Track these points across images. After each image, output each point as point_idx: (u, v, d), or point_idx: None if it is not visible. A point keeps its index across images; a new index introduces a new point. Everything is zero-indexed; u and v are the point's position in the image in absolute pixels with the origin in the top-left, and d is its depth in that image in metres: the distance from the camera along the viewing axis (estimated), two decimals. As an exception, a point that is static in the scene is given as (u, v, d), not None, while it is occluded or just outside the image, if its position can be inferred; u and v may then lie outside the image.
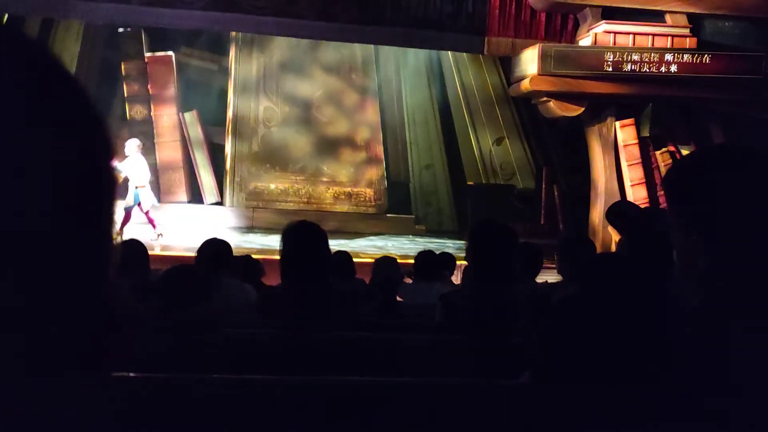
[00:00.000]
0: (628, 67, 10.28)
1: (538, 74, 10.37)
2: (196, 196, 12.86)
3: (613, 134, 10.68)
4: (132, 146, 9.88)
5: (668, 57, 10.36)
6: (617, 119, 10.64)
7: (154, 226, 10.09)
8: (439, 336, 2.63)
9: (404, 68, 13.80)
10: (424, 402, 1.42)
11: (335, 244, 5.73)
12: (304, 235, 2.77)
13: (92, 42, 13.13)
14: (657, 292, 1.26)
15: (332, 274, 2.81)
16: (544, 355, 1.33)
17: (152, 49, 12.78)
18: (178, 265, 2.45)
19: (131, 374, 1.37)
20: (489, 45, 10.71)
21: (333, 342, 2.22)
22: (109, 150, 0.53)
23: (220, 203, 12.76)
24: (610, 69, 10.30)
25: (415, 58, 13.63)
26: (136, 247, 4.87)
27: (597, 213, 10.58)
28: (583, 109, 10.62)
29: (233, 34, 12.91)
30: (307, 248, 2.75)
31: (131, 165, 9.68)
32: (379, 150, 13.12)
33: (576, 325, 1.29)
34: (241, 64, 12.88)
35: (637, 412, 1.16)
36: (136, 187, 9.70)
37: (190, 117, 12.85)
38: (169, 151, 12.76)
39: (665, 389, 1.12)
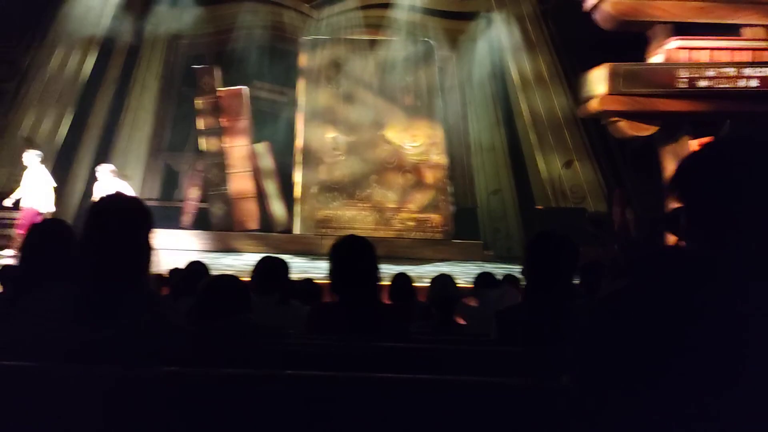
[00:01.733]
0: (703, 84, 9.89)
1: (608, 94, 10.12)
2: (266, 224, 13.13)
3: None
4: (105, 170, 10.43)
5: (747, 71, 9.91)
6: (693, 138, 10.21)
7: None
8: (491, 347, 2.54)
9: (470, 92, 13.77)
10: (462, 400, 1.37)
11: (401, 270, 5.67)
12: (352, 250, 2.75)
13: (170, 79, 13.79)
14: (713, 286, 1.16)
15: (379, 288, 2.75)
16: (586, 355, 1.24)
17: (225, 84, 13.27)
18: (219, 275, 2.47)
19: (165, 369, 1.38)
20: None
21: (377, 351, 2.17)
22: None
23: (290, 231, 12.98)
24: (684, 86, 9.95)
25: (480, 81, 13.58)
26: (202, 269, 5.00)
27: (674, 236, 10.12)
28: (656, 128, 10.27)
29: (301, 65, 13.26)
30: (356, 263, 2.73)
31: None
32: (446, 176, 13.07)
33: (624, 323, 1.19)
34: (308, 95, 13.18)
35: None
36: None
37: (261, 148, 13.21)
38: (241, 181, 13.14)
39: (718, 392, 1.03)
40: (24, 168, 10.27)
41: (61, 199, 12.08)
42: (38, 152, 10.39)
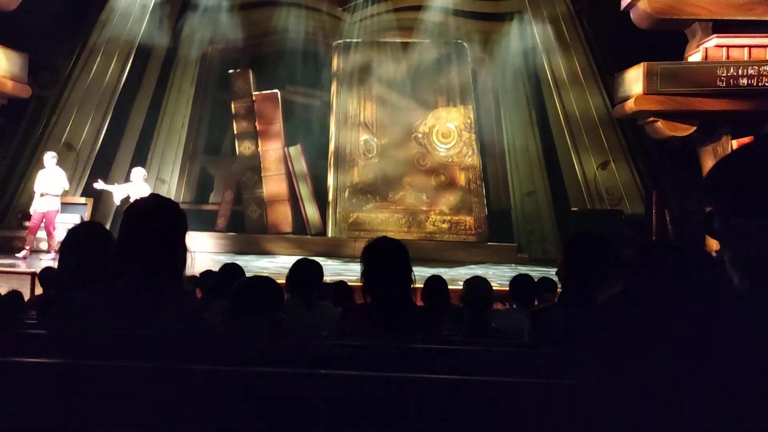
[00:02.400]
0: (743, 82, 9.67)
1: (644, 93, 9.97)
2: (300, 227, 13.22)
3: (729, 154, 10.01)
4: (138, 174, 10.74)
5: (790, 69, 9.66)
6: (733, 138, 9.98)
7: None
8: (525, 349, 2.51)
9: (503, 94, 13.67)
10: (489, 400, 1.36)
11: (435, 273, 5.66)
12: (384, 251, 2.75)
13: (205, 84, 13.97)
14: (714, 280, 1.15)
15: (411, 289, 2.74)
16: (599, 358, 1.24)
17: (259, 88, 13.42)
18: (254, 276, 2.50)
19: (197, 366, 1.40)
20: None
21: (409, 352, 2.17)
22: None
23: (324, 234, 13.05)
24: (724, 84, 9.73)
25: (513, 82, 13.48)
26: (236, 271, 5.05)
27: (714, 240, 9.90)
28: (694, 128, 10.07)
29: (334, 68, 13.33)
30: (388, 264, 2.73)
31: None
32: (479, 178, 12.99)
33: (629, 324, 1.19)
34: (341, 98, 13.24)
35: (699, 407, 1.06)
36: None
37: (295, 151, 13.30)
38: (275, 184, 13.26)
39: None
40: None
41: (99, 202, 12.37)
42: (53, 153, 10.63)
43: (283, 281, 3.66)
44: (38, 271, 7.05)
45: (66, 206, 11.13)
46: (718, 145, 10.17)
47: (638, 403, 1.14)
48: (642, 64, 10.05)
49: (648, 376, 1.14)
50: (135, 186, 10.53)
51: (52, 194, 10.28)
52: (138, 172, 10.81)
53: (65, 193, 10.88)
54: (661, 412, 1.12)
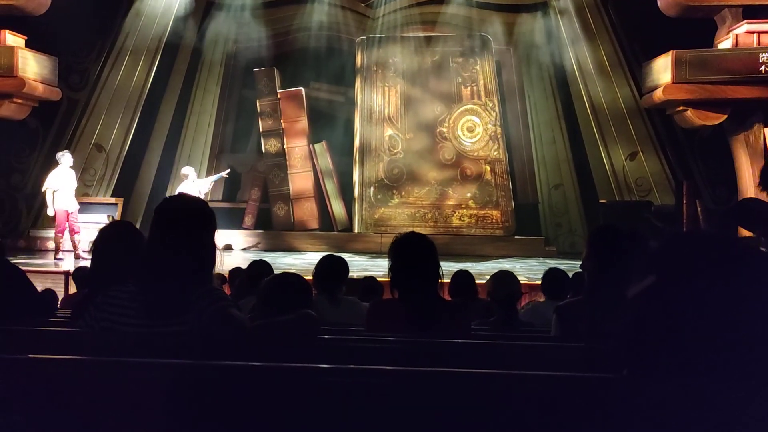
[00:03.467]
0: (776, 68, 9.45)
1: (672, 82, 9.80)
2: (326, 223, 13.28)
3: (762, 142, 9.82)
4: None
5: (825, 54, 9.42)
6: (765, 126, 9.77)
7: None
8: (553, 343, 2.50)
9: (528, 86, 13.54)
10: (521, 394, 1.36)
11: (462, 267, 5.66)
12: (411, 247, 2.75)
13: (231, 83, 14.09)
14: (749, 270, 1.13)
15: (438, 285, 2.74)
16: (636, 349, 1.23)
17: (284, 86, 13.48)
18: (282, 273, 2.53)
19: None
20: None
21: (438, 347, 2.17)
22: None
23: (350, 230, 13.09)
24: (756, 71, 9.52)
25: (539, 74, 13.35)
26: (265, 269, 5.09)
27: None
28: (725, 116, 9.88)
29: (358, 65, 13.34)
30: (416, 260, 2.73)
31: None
32: (505, 171, 12.90)
33: (665, 316, 1.17)
34: (365, 94, 13.24)
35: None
36: None
37: (320, 148, 13.35)
38: (301, 181, 13.33)
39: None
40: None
41: (129, 201, 12.57)
42: (68, 151, 10.76)
43: (310, 278, 3.69)
44: (71, 270, 7.19)
45: (96, 206, 11.31)
46: (749, 134, 9.96)
47: (670, 397, 1.13)
48: (670, 53, 9.88)
49: (682, 369, 1.13)
50: (190, 183, 10.85)
51: (72, 193, 10.36)
52: (190, 170, 11.18)
53: (94, 193, 11.07)
54: (692, 407, 1.11)
